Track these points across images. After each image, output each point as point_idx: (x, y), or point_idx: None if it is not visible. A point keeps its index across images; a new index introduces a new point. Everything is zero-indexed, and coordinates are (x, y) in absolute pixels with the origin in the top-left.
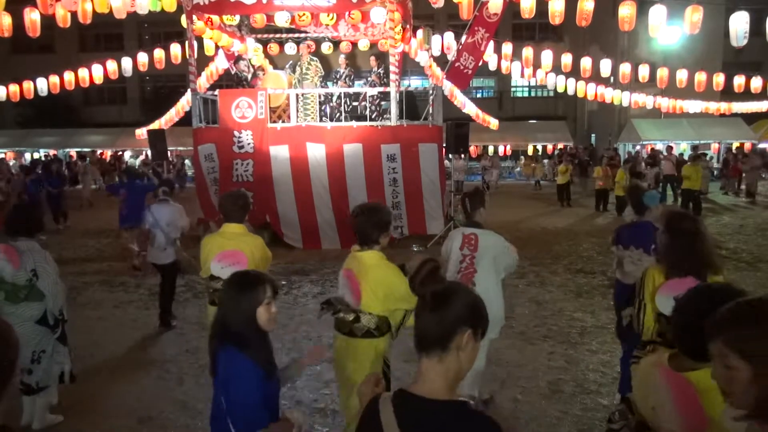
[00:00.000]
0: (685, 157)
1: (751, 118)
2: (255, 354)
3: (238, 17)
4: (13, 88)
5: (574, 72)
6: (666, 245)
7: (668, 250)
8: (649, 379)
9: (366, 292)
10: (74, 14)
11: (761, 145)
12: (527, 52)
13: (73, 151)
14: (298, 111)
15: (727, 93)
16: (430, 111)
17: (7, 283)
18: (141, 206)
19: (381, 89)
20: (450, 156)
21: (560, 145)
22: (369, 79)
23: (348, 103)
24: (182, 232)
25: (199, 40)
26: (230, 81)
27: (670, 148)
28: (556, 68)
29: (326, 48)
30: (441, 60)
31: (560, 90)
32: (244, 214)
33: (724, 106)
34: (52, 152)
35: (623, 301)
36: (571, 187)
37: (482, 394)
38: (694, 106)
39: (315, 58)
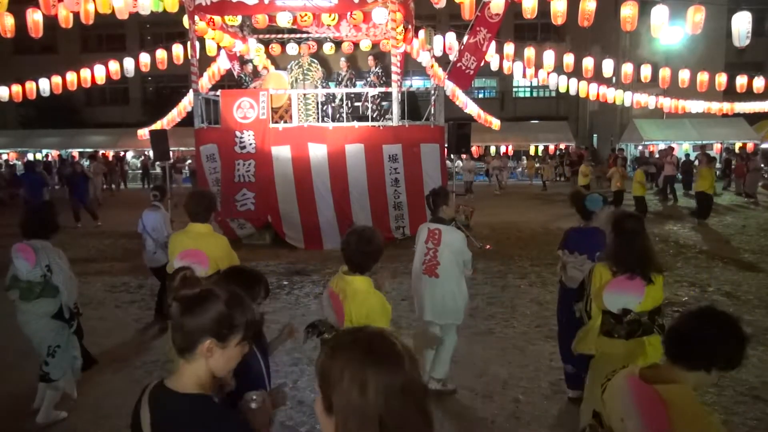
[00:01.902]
0: (691, 158)
1: (753, 119)
2: None
3: (240, 18)
4: (16, 88)
5: (576, 72)
6: (612, 244)
7: (614, 249)
8: (619, 390)
9: (348, 314)
10: (76, 15)
11: (764, 146)
12: (529, 52)
13: (75, 152)
14: (299, 111)
15: (730, 93)
16: (432, 111)
17: (22, 281)
18: (40, 190)
19: (382, 89)
20: (452, 156)
21: (562, 146)
22: (368, 79)
23: (349, 105)
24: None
25: (201, 40)
26: (232, 81)
27: (671, 149)
28: (558, 68)
29: (328, 48)
30: (443, 60)
31: (562, 90)
32: (209, 215)
33: (726, 107)
34: (54, 153)
35: (566, 305)
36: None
37: (447, 382)
38: (696, 106)
39: (315, 60)
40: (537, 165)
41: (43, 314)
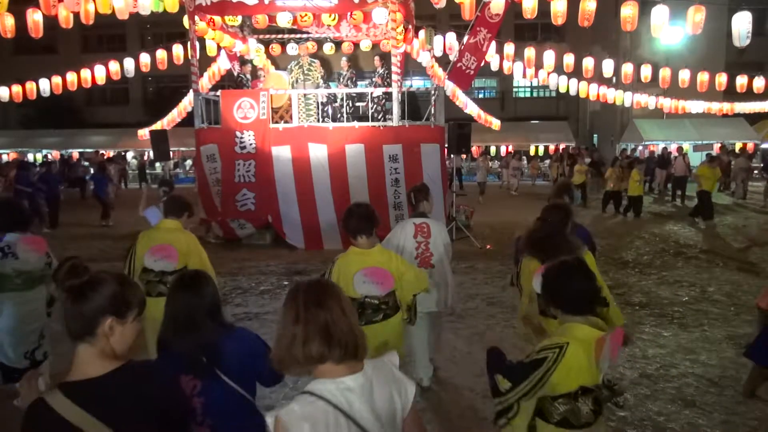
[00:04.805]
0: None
1: (753, 119)
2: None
3: (240, 18)
4: (16, 88)
5: (576, 72)
6: (535, 233)
7: (537, 237)
8: (591, 355)
9: (396, 273)
10: (77, 15)
11: (764, 146)
12: (529, 52)
13: (75, 152)
14: (300, 111)
15: (730, 93)
16: (432, 111)
17: (27, 272)
18: (105, 187)
19: (384, 89)
20: (453, 156)
21: (562, 146)
22: (373, 80)
23: (351, 104)
24: None
25: (201, 40)
26: (232, 82)
27: (680, 149)
28: (558, 68)
29: (328, 48)
30: (443, 60)
31: (562, 90)
32: (182, 212)
33: (726, 107)
34: (54, 153)
35: None
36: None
37: (423, 380)
38: (696, 106)
39: (315, 60)
40: (541, 165)
41: (41, 298)
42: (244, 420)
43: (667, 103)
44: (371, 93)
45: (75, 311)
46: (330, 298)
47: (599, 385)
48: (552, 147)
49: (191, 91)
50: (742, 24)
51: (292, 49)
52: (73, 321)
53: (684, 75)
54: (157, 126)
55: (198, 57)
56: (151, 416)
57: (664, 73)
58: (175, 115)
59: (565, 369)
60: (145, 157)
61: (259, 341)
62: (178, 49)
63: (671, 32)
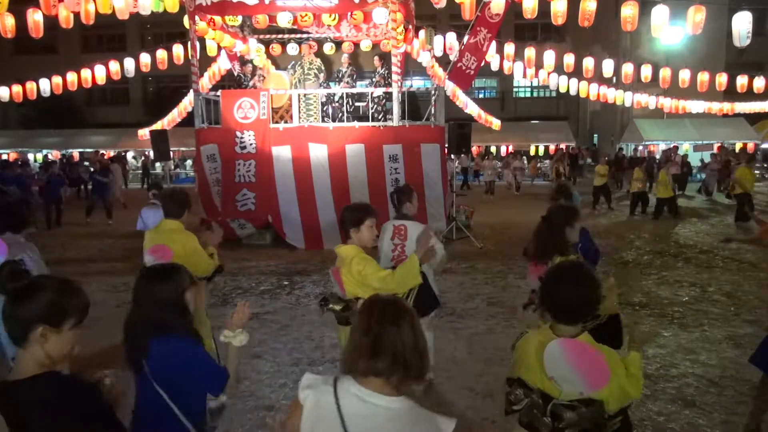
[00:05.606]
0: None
1: (753, 118)
2: (189, 333)
3: (240, 18)
4: (16, 88)
5: (577, 72)
6: (540, 231)
7: (541, 236)
8: (542, 353)
9: (347, 281)
10: (77, 15)
11: (764, 145)
12: (529, 52)
13: (75, 152)
14: (300, 111)
15: (730, 93)
16: (432, 111)
17: None
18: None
19: (384, 89)
20: (451, 157)
21: (563, 145)
22: (373, 79)
23: (351, 103)
24: None
25: (202, 40)
26: (232, 82)
27: (675, 149)
28: (559, 68)
29: (328, 48)
30: (443, 60)
31: (562, 90)
32: (181, 211)
33: (726, 107)
34: (54, 153)
35: None
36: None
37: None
38: (696, 106)
39: (317, 59)
40: (541, 165)
41: None
42: (155, 419)
43: (668, 103)
44: (371, 93)
45: (9, 316)
46: (403, 317)
47: (544, 392)
48: (552, 147)
49: (191, 91)
50: (742, 24)
51: (292, 49)
52: (8, 325)
53: (684, 75)
54: (158, 126)
55: (198, 57)
56: (61, 427)
57: (665, 73)
58: (175, 115)
59: (517, 353)
60: (149, 157)
61: (196, 360)
62: (178, 49)
63: (671, 32)
